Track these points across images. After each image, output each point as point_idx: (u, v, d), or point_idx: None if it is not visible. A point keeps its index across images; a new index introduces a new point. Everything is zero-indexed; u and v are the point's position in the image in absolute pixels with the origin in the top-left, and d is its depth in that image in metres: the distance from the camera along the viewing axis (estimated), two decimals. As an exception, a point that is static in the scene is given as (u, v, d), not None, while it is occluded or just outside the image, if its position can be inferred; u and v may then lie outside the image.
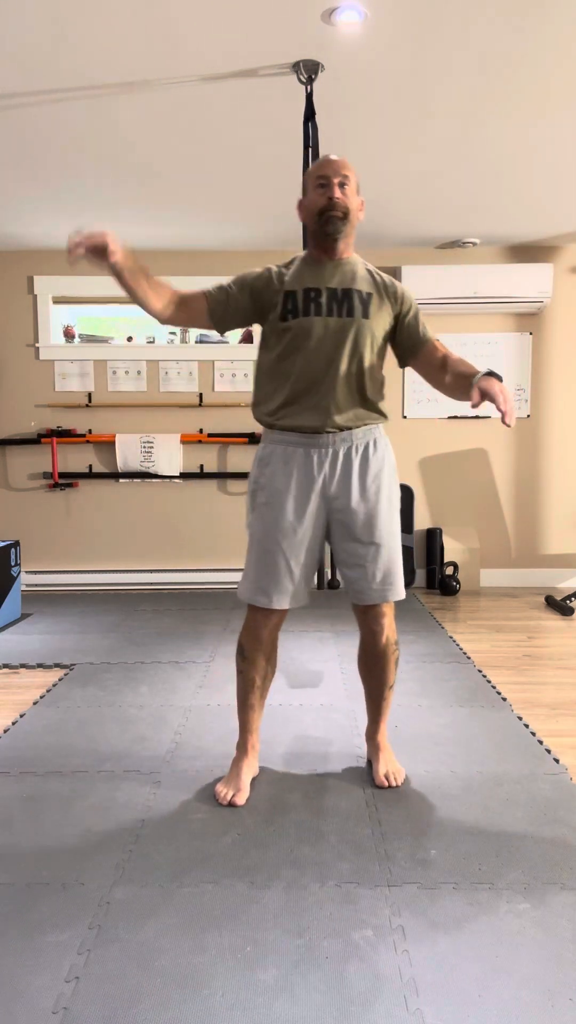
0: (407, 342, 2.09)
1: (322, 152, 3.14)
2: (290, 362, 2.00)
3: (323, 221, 1.98)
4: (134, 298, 1.93)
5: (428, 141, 3.24)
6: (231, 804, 2.04)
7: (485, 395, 1.79)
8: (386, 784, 2.14)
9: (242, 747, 2.17)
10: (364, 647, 2.18)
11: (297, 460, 2.02)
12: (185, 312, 2.02)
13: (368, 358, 2.01)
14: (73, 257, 1.78)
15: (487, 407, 4.95)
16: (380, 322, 2.03)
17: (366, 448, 2.04)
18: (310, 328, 1.97)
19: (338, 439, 2.02)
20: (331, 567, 5.04)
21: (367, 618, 2.12)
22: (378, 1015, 1.29)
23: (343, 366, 1.99)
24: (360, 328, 1.99)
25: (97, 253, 1.80)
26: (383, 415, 2.09)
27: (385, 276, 2.09)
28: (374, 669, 2.17)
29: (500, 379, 1.85)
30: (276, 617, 2.10)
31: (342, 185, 1.98)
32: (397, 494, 2.11)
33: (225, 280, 2.07)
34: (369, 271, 2.07)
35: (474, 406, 1.78)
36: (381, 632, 2.12)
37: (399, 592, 2.10)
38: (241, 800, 2.05)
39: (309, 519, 2.03)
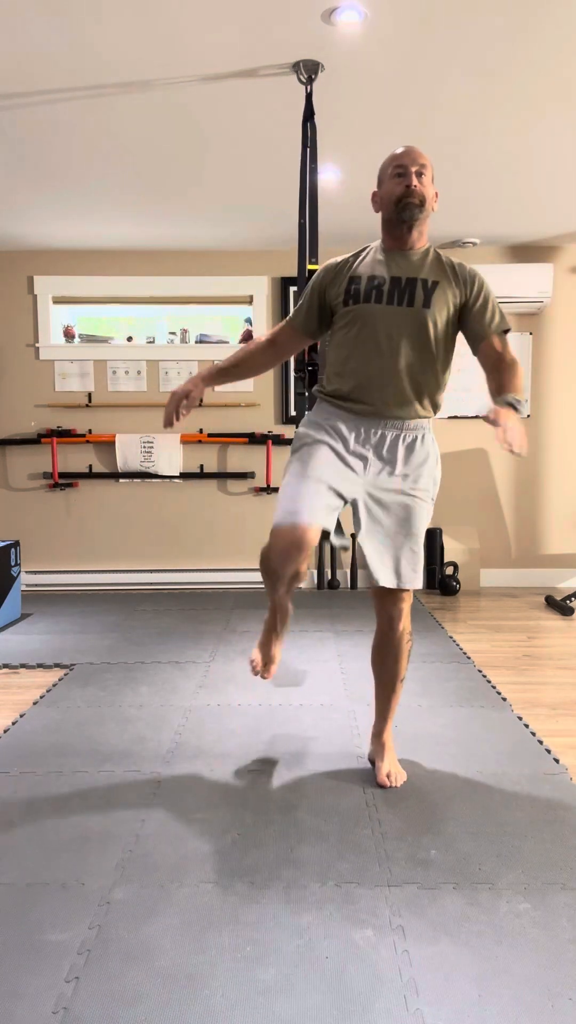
0: (470, 330, 2.05)
1: (322, 152, 3.14)
2: (350, 348, 2.02)
3: (400, 209, 1.98)
4: (239, 380, 2.27)
5: (428, 141, 3.23)
6: (263, 677, 2.25)
7: (493, 421, 1.79)
8: (387, 784, 2.14)
9: (272, 624, 2.25)
10: (380, 634, 2.18)
11: (348, 424, 2.04)
12: (280, 348, 2.21)
13: (427, 350, 2.00)
14: (170, 423, 2.10)
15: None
16: (444, 311, 2.01)
17: (414, 440, 2.05)
18: (369, 316, 1.99)
19: (389, 425, 2.03)
20: (331, 567, 5.04)
21: (386, 603, 2.12)
22: (378, 1015, 1.29)
23: (401, 357, 1.99)
24: (420, 319, 1.98)
25: (185, 401, 2.09)
26: (434, 411, 2.09)
27: (457, 261, 2.07)
28: (387, 659, 2.18)
29: (517, 410, 1.84)
30: (309, 537, 1.96)
31: (419, 174, 1.98)
32: (435, 491, 2.12)
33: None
34: (440, 258, 2.06)
35: (491, 422, 1.78)
36: (399, 618, 2.12)
37: (418, 581, 2.11)
38: (271, 674, 2.26)
39: (345, 469, 2.03)
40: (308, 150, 2.84)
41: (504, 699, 2.84)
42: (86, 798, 2.08)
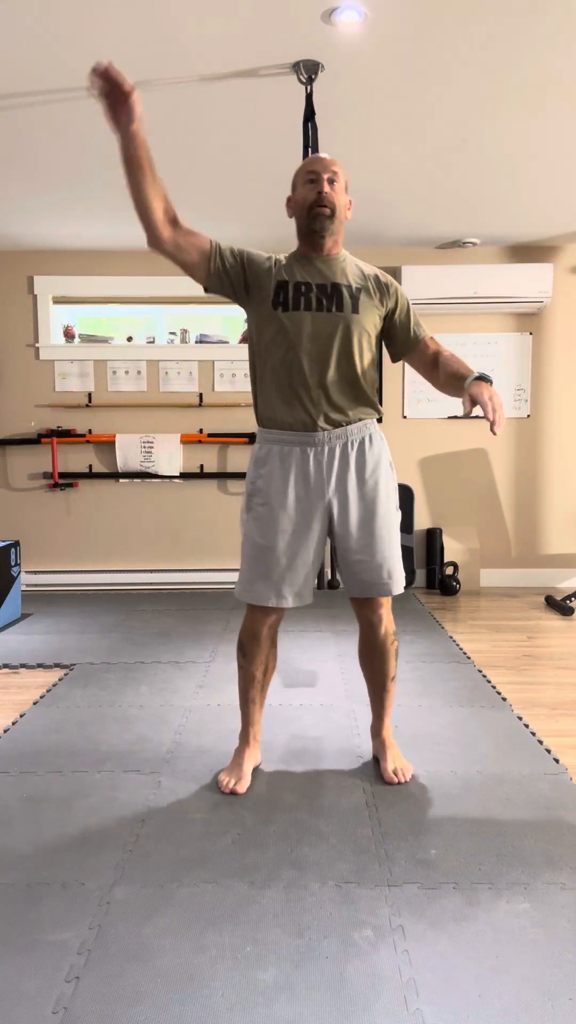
0: (398, 338, 2.10)
1: (322, 152, 3.13)
2: (281, 357, 2.01)
3: (311, 217, 1.99)
4: (135, 189, 1.81)
5: (428, 141, 3.24)
6: (232, 792, 2.08)
7: (475, 401, 1.79)
8: (395, 780, 2.14)
9: (244, 738, 2.20)
10: (364, 640, 2.19)
11: (294, 458, 2.03)
12: (184, 239, 1.92)
13: (359, 354, 2.01)
14: (91, 88, 1.66)
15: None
16: (370, 317, 2.03)
17: (362, 443, 2.05)
18: (300, 323, 1.98)
19: (333, 436, 2.02)
20: (331, 567, 5.04)
21: (365, 610, 2.14)
22: (378, 1015, 1.29)
23: (334, 362, 1.99)
24: (349, 323, 1.99)
25: (117, 96, 1.68)
26: (376, 411, 2.09)
27: (376, 271, 2.08)
28: (375, 661, 2.19)
29: (490, 382, 1.84)
30: (274, 615, 2.12)
31: (331, 182, 1.99)
32: (394, 489, 2.12)
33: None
34: (359, 267, 2.07)
35: (466, 414, 1.78)
36: (379, 623, 2.13)
37: (398, 586, 2.10)
38: (242, 788, 2.09)
39: (307, 517, 2.04)
40: (308, 150, 2.84)
41: (504, 699, 2.84)
42: (86, 798, 2.08)
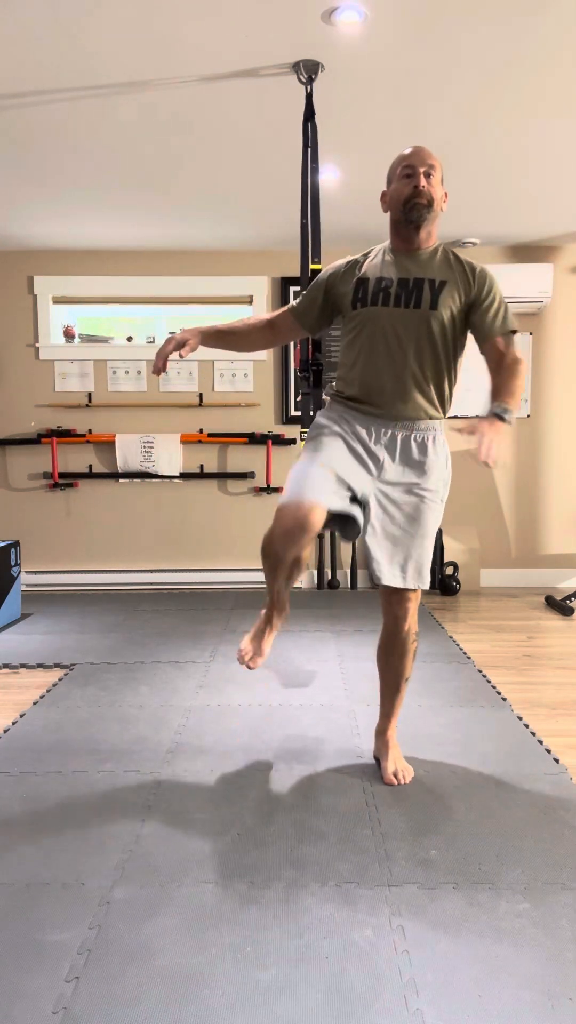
0: (476, 328, 2.04)
1: (322, 152, 3.14)
2: (359, 350, 2.03)
3: (408, 209, 1.98)
4: (235, 350, 2.23)
5: (428, 141, 3.23)
6: (248, 666, 2.11)
7: (473, 431, 1.79)
8: (395, 782, 2.14)
9: (269, 620, 2.16)
10: (386, 634, 2.18)
11: (360, 423, 2.04)
12: (277, 333, 2.19)
13: (434, 352, 2.00)
14: (162, 366, 2.05)
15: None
16: (450, 310, 2.00)
17: (424, 441, 2.05)
18: (375, 318, 1.99)
19: (399, 426, 2.03)
20: (331, 567, 5.04)
21: (392, 602, 2.12)
22: (378, 1015, 1.29)
23: (408, 359, 1.99)
24: (427, 320, 1.98)
25: (181, 348, 2.04)
26: (444, 412, 2.08)
27: (468, 259, 2.06)
28: (392, 658, 2.18)
29: (504, 420, 1.84)
30: (314, 518, 1.90)
31: (427, 175, 1.99)
32: (445, 492, 2.11)
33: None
34: (449, 256, 2.05)
35: (460, 431, 1.79)
36: (405, 617, 2.12)
37: (425, 583, 2.11)
38: (258, 664, 2.12)
39: (361, 460, 2.02)
40: (308, 150, 2.84)
41: (504, 699, 2.84)
42: (86, 798, 2.08)
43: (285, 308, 2.19)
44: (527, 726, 2.58)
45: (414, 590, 2.10)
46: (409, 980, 1.37)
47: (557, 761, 2.30)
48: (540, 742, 2.44)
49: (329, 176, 3.62)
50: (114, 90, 2.78)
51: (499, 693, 2.91)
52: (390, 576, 2.06)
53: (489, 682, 3.04)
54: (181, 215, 4.25)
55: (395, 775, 2.16)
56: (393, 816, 1.97)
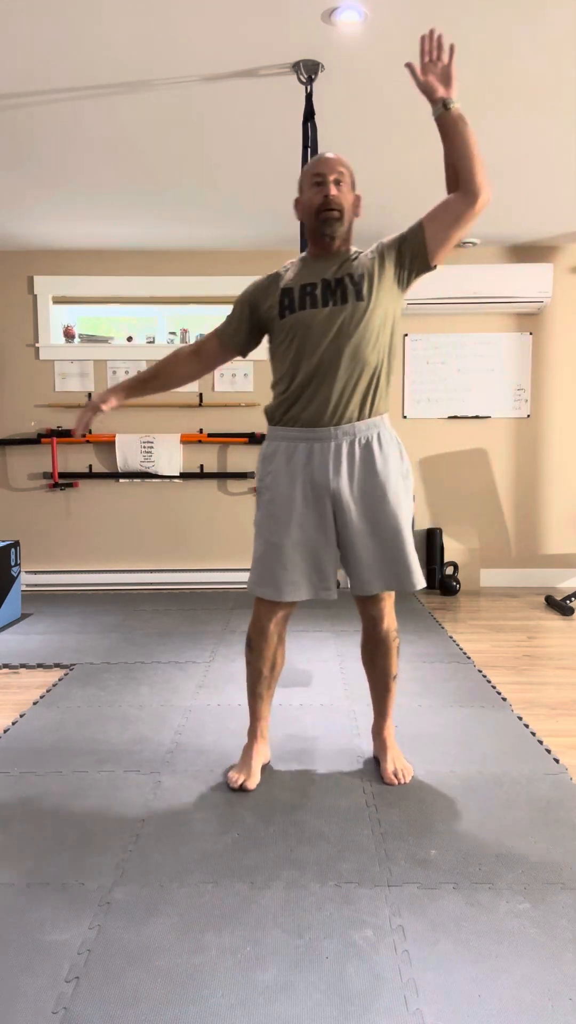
0: (418, 243, 1.96)
1: (322, 152, 3.14)
2: (290, 357, 2.02)
3: (320, 220, 1.99)
4: (159, 392, 2.23)
5: (428, 141, 3.24)
6: (242, 788, 2.09)
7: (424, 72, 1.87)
8: (395, 781, 2.14)
9: (252, 734, 2.21)
10: (366, 635, 2.19)
11: (300, 456, 2.02)
12: (205, 360, 2.20)
13: (366, 346, 1.98)
14: (82, 431, 2.14)
15: (489, 408, 4.96)
16: (378, 294, 1.97)
17: (368, 441, 2.02)
18: (305, 321, 1.98)
19: (340, 432, 2.00)
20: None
21: (367, 605, 2.14)
22: (378, 1015, 1.29)
23: (342, 356, 1.97)
24: (355, 313, 1.96)
25: (98, 411, 2.13)
26: (384, 408, 2.07)
27: (376, 244, 2.04)
28: (376, 658, 2.19)
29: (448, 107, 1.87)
30: (282, 610, 2.11)
31: (337, 183, 1.99)
32: (406, 487, 2.07)
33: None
34: (362, 252, 2.04)
35: (413, 68, 1.86)
36: (381, 618, 2.13)
37: (414, 581, 2.06)
38: (252, 785, 2.11)
39: (315, 512, 2.03)
40: (308, 150, 2.84)
41: (504, 699, 2.84)
42: (86, 798, 2.08)
43: (210, 334, 2.19)
44: (527, 726, 2.58)
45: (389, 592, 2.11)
46: (409, 980, 1.37)
47: (557, 761, 2.30)
48: (540, 742, 2.44)
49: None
50: (114, 90, 2.78)
51: (499, 693, 2.91)
52: (359, 587, 2.08)
53: (489, 682, 3.04)
54: (181, 215, 4.25)
55: (395, 774, 2.16)
56: (393, 816, 1.97)
